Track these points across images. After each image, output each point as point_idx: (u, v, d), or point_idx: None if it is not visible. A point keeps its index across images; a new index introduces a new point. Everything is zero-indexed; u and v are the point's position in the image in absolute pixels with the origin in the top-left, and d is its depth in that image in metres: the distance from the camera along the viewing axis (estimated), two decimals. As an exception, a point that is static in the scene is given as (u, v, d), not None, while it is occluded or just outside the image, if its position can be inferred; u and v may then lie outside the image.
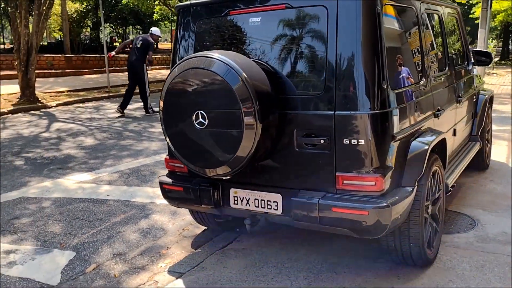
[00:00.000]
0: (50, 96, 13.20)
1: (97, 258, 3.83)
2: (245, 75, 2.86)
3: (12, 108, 11.41)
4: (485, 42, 16.87)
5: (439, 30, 4.28)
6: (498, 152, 6.67)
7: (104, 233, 4.27)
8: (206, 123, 3.01)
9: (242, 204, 3.39)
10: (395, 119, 3.04)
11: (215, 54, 2.98)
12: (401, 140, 3.11)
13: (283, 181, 3.25)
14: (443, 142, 3.66)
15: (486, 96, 5.65)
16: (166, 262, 3.78)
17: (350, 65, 2.91)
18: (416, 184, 3.13)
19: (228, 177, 3.26)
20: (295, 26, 3.17)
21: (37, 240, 4.12)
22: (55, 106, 12.17)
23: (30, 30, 12.25)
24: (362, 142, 2.91)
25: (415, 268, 3.43)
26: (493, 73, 21.82)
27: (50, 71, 18.87)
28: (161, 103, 3.22)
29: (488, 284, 3.23)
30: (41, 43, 34.28)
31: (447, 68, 4.30)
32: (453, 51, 4.62)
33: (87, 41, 29.52)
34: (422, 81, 3.57)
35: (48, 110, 11.76)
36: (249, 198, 3.35)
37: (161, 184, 3.73)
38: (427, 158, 3.16)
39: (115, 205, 4.94)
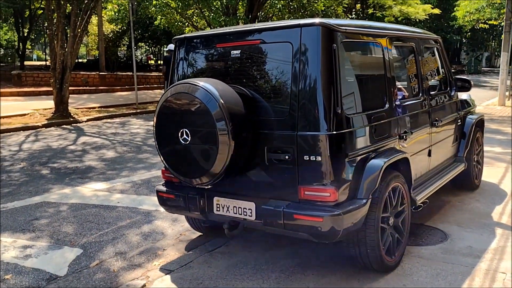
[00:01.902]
0: (82, 112, 14.09)
1: (101, 256, 4.38)
2: (222, 101, 3.39)
3: (46, 122, 12.30)
4: (507, 65, 16.94)
5: (412, 60, 4.72)
6: (493, 174, 6.94)
7: (110, 235, 4.84)
8: (189, 139, 3.55)
9: (223, 211, 3.89)
10: (349, 139, 3.51)
11: (199, 82, 3.52)
12: (356, 157, 3.56)
13: (257, 191, 3.74)
14: (406, 161, 4.07)
15: (474, 120, 5.99)
16: (160, 261, 4.29)
17: (309, 92, 3.41)
18: (371, 197, 3.57)
19: (209, 186, 3.78)
20: (267, 58, 3.70)
21: (51, 238, 4.74)
22: (85, 121, 13.03)
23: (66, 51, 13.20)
24: (319, 158, 3.38)
25: (376, 273, 3.84)
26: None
27: (84, 87, 19.98)
28: (154, 121, 3.79)
29: (436, 289, 3.61)
30: (80, 60, 35.99)
31: (421, 94, 4.72)
32: (429, 79, 5.03)
33: (124, 59, 30.88)
34: (386, 107, 4.02)
35: (78, 124, 12.61)
36: (229, 206, 3.85)
37: (157, 192, 4.29)
38: (381, 174, 3.59)
39: (123, 211, 5.53)
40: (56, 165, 7.82)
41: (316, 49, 3.41)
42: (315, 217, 3.37)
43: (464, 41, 56.32)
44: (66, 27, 13.51)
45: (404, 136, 4.22)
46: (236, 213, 3.82)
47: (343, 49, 3.57)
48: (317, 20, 3.48)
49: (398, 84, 4.76)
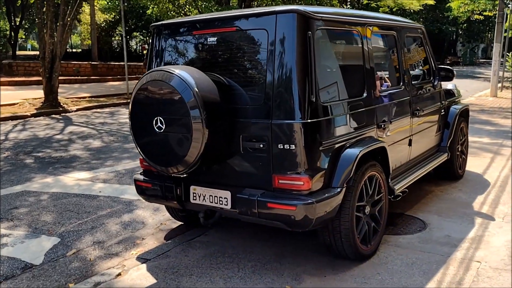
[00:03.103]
0: (72, 102, 14.03)
1: (78, 245, 4.37)
2: (197, 89, 3.36)
3: (35, 112, 12.23)
4: (500, 56, 16.94)
5: (393, 49, 4.70)
6: (478, 164, 6.95)
7: (89, 224, 4.82)
8: (164, 127, 3.52)
9: (200, 200, 3.88)
10: (324, 128, 3.49)
11: (174, 70, 3.49)
12: (331, 146, 3.55)
13: (232, 180, 3.73)
14: (384, 150, 4.06)
15: (458, 110, 5.98)
16: (138, 250, 4.28)
17: (284, 80, 3.38)
18: (345, 185, 3.56)
19: (185, 175, 3.76)
20: (243, 46, 3.67)
21: (29, 227, 4.72)
22: (75, 111, 12.97)
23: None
24: (293, 147, 3.37)
25: (351, 262, 3.84)
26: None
27: (76, 77, 19.88)
28: (130, 109, 3.76)
29: (410, 277, 3.61)
30: (74, 50, 35.70)
31: (401, 83, 4.70)
32: (411, 68, 5.01)
33: (118, 49, 30.71)
34: (364, 96, 4.00)
35: (67, 114, 12.56)
36: (205, 195, 3.84)
37: (135, 181, 4.27)
38: (356, 163, 3.58)
39: (105, 200, 5.51)
40: (41, 154, 7.78)
41: (291, 37, 3.38)
42: (288, 205, 3.37)
43: (460, 32, 56.31)
44: (55, 16, 13.34)
45: (383, 125, 4.20)
46: (212, 202, 3.81)
47: (319, 37, 3.55)
48: (292, 7, 3.44)
49: (381, 74, 4.76)
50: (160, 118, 3.52)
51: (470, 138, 8.36)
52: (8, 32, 27.11)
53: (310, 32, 3.39)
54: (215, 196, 3.78)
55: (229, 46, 3.75)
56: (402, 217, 4.89)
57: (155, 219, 5.02)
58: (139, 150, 3.80)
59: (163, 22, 4.14)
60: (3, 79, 17.67)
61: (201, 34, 3.87)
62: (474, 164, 6.92)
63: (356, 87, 3.98)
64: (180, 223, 4.86)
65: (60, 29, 12.94)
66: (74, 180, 6.29)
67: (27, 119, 11.59)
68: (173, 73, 3.44)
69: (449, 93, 6.13)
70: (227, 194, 3.72)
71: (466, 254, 3.99)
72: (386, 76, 4.64)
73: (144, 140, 3.72)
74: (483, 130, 9.90)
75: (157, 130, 3.55)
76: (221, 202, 3.76)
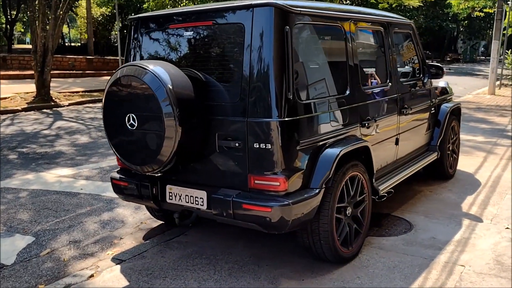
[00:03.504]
0: (64, 96, 13.89)
1: (53, 244, 4.25)
2: (170, 85, 3.23)
3: (26, 106, 12.09)
4: (498, 53, 16.79)
5: (380, 46, 4.56)
6: (470, 164, 6.83)
7: (66, 223, 4.70)
8: (136, 124, 3.40)
9: (176, 200, 3.76)
10: (302, 127, 3.36)
11: (147, 65, 3.35)
12: (310, 145, 3.42)
13: (208, 179, 3.60)
14: (367, 150, 3.93)
15: (449, 108, 5.85)
16: (114, 250, 4.16)
17: (260, 77, 3.25)
18: (324, 186, 3.43)
19: (159, 174, 3.64)
20: (220, 40, 3.53)
21: (4, 225, 4.60)
22: (67, 106, 12.83)
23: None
24: (269, 146, 3.24)
25: (331, 264, 3.72)
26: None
27: (70, 71, 19.73)
28: (102, 105, 3.63)
29: (390, 281, 3.49)
30: (73, 44, 35.44)
31: (388, 80, 4.56)
32: (398, 66, 4.88)
33: (116, 44, 30.50)
34: (347, 93, 3.86)
35: (58, 109, 12.43)
36: (181, 194, 3.72)
37: (111, 179, 4.14)
38: (336, 163, 3.45)
39: (85, 198, 5.38)
40: (25, 150, 7.65)
41: (268, 31, 3.24)
42: (264, 207, 3.24)
43: (461, 29, 56.08)
44: (47, 9, 13.18)
45: (366, 124, 4.07)
46: (188, 202, 3.69)
47: (298, 32, 3.41)
48: (270, 0, 3.30)
49: (370, 71, 4.63)
50: (133, 115, 3.39)
51: (464, 137, 8.25)
52: (4, 26, 26.95)
53: (288, 27, 3.25)
54: (191, 196, 3.66)
55: (206, 40, 3.61)
56: (388, 218, 4.77)
57: (136, 218, 4.90)
58: (112, 147, 3.68)
59: (140, 15, 4.00)
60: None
61: (178, 28, 3.73)
62: (466, 163, 6.80)
63: (338, 84, 3.85)
64: (161, 222, 4.74)
65: (52, 23, 12.78)
66: (55, 177, 6.16)
67: (17, 113, 11.46)
68: (146, 69, 3.31)
69: (440, 91, 6.00)
70: (203, 194, 3.59)
71: (450, 257, 3.87)
72: (372, 73, 4.52)
73: (117, 138, 3.60)
74: (478, 128, 9.77)
75: (130, 127, 3.43)
76: (197, 202, 3.64)
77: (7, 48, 24.89)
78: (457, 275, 3.57)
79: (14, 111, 11.48)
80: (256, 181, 3.33)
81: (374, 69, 4.57)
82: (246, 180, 3.37)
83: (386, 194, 4.35)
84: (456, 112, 6.19)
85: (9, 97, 12.99)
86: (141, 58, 3.92)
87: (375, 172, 4.09)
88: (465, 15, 29.99)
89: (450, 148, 6.08)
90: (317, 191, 3.40)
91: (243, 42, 3.32)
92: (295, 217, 3.28)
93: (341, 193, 3.64)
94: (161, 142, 3.30)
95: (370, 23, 4.44)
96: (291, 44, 3.27)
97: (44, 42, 12.75)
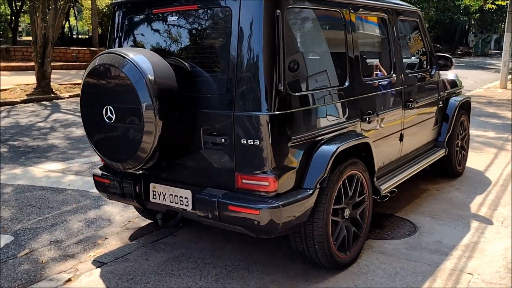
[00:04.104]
0: (65, 88, 13.65)
1: (33, 244, 3.99)
2: (150, 75, 2.94)
3: (25, 98, 11.87)
4: (510, 47, 16.30)
5: (384, 34, 4.24)
6: (480, 160, 6.49)
7: (49, 221, 4.44)
8: (114, 118, 3.12)
9: (160, 199, 3.48)
10: (294, 121, 3.06)
11: (127, 53, 3.06)
12: (303, 142, 3.12)
13: (193, 178, 3.32)
14: (367, 146, 3.63)
15: (458, 102, 5.51)
16: (97, 252, 3.90)
17: (248, 66, 2.95)
18: (318, 186, 3.13)
19: (141, 171, 3.37)
20: (206, 26, 3.24)
21: (-18, 223, 4.35)
22: (67, 98, 12.58)
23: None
24: (257, 143, 2.94)
25: (327, 271, 3.43)
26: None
27: (74, 63, 19.51)
28: (80, 96, 3.36)
29: (391, 291, 3.20)
30: (81, 36, 35.23)
31: (392, 72, 4.24)
32: (403, 56, 4.55)
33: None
34: (346, 85, 3.55)
35: (58, 101, 12.17)
36: (165, 193, 3.44)
37: (93, 176, 3.87)
38: (331, 161, 3.15)
39: (72, 194, 5.13)
40: (17, 143, 7.41)
41: (257, 16, 2.93)
42: (251, 209, 2.96)
43: (472, 22, 55.18)
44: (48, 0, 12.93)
45: (367, 119, 3.76)
46: (172, 202, 3.41)
47: (291, 17, 3.10)
48: (259, -19, 2.99)
49: (372, 61, 4.32)
50: (110, 107, 3.12)
51: (474, 132, 7.90)
52: (9, 17, 26.78)
53: (279, 11, 2.94)
54: (175, 196, 3.39)
55: (191, 26, 3.32)
56: (391, 219, 4.46)
57: (124, 216, 4.63)
58: (90, 142, 3.40)
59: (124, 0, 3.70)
60: (0, 64, 17.32)
61: (161, 13, 3.43)
62: (475, 160, 6.45)
63: (336, 75, 3.54)
64: (150, 221, 4.47)
65: (52, 13, 12.52)
66: (44, 171, 5.91)
67: (15, 105, 11.24)
68: (124, 57, 3.02)
69: (449, 84, 5.65)
70: (187, 193, 3.31)
71: (457, 264, 3.57)
72: (375, 63, 4.20)
73: (95, 132, 3.33)
74: (489, 123, 9.39)
75: (107, 120, 3.15)
76: (181, 203, 3.36)
77: (12, 39, 24.73)
78: (464, 284, 3.27)
79: (12, 103, 11.27)
80: (243, 181, 3.05)
81: (377, 59, 4.26)
82: (233, 179, 3.08)
83: (388, 194, 4.05)
84: (465, 106, 5.84)
85: (9, 89, 12.78)
86: (124, 45, 3.64)
87: (376, 170, 3.79)
88: (477, 7, 29.33)
89: (459, 145, 5.75)
90: (310, 192, 3.10)
91: (230, 28, 3.03)
92: (285, 221, 2.99)
93: (338, 194, 3.34)
94: (140, 137, 3.02)
95: (372, 9, 4.11)
96: (283, 30, 2.97)
97: (44, 32, 12.50)
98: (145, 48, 3.49)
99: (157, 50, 3.40)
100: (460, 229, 4.23)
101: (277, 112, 2.94)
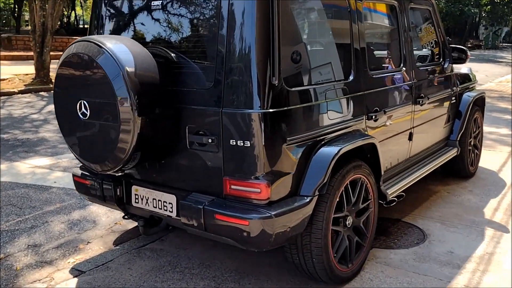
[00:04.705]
0: (65, 78, 13.31)
1: (9, 248, 3.69)
2: (128, 67, 2.61)
3: (23, 88, 11.58)
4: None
5: (393, 23, 3.86)
6: (493, 160, 6.11)
7: (29, 222, 4.14)
8: (88, 113, 2.79)
9: (142, 203, 3.17)
10: (290, 120, 2.71)
11: (102, 41, 2.72)
12: (301, 143, 2.77)
13: (178, 182, 3.00)
14: (373, 147, 3.28)
15: (472, 98, 5.13)
16: (77, 258, 3.59)
17: (239, 57, 2.60)
18: (317, 193, 2.79)
19: (120, 173, 3.05)
20: (193, 11, 2.88)
21: (-44, 225, 4.04)
22: (66, 88, 12.26)
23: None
24: (248, 144, 2.60)
25: (326, 285, 3.09)
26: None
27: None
28: (53, 88, 3.03)
29: (397, 311, 2.86)
30: (86, 26, 34.85)
31: (402, 65, 3.87)
32: (414, 47, 4.17)
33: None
34: (350, 79, 3.19)
35: (56, 92, 11.86)
36: (148, 198, 3.12)
37: (73, 176, 3.56)
38: (332, 165, 2.80)
39: (57, 193, 4.81)
40: (6, 136, 7.09)
41: (249, 1, 2.57)
42: (240, 219, 2.62)
43: (483, 14, 54.29)
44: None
45: (374, 116, 3.40)
46: (156, 207, 3.08)
47: (288, 2, 2.74)
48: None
49: (380, 52, 3.96)
50: (84, 102, 2.79)
51: (486, 129, 7.48)
52: (12, 6, 26.48)
53: (272, -5, 2.58)
54: (158, 200, 3.06)
55: (176, 11, 2.95)
56: (398, 225, 4.11)
57: (110, 217, 4.31)
58: (65, 139, 3.08)
59: (105, -17, 3.35)
60: (1, 53, 17.03)
61: (145, -3, 3.08)
62: (488, 159, 6.07)
63: (339, 67, 3.18)
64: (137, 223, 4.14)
65: (51, 1, 12.18)
66: (30, 167, 5.60)
67: (12, 96, 10.94)
68: (100, 46, 2.68)
69: (463, 78, 5.27)
70: (172, 198, 2.99)
71: (471, 279, 3.22)
72: (383, 55, 3.83)
73: (69, 129, 3.00)
74: (501, 119, 8.97)
75: (82, 116, 2.82)
76: (165, 208, 3.03)
77: (16, 28, 24.42)
78: (480, 304, 2.92)
79: (9, 94, 10.97)
80: (232, 186, 2.70)
81: (385, 51, 3.89)
82: (221, 184, 2.75)
83: (396, 199, 3.69)
84: (479, 102, 5.46)
85: (7, 79, 12.48)
86: (104, 32, 3.30)
87: (383, 173, 3.43)
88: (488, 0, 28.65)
89: (472, 143, 5.37)
90: (308, 199, 2.75)
91: (219, 14, 2.67)
92: (279, 232, 2.65)
93: (339, 201, 3.00)
94: (117, 136, 2.69)
95: None
96: (279, 17, 2.61)
97: (43, 21, 12.17)
98: (127, 36, 3.14)
99: (140, 38, 3.07)
100: (474, 237, 3.87)
101: (270, 110, 2.59)
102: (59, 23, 15.47)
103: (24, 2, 23.46)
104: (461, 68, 5.42)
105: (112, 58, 2.62)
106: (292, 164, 2.75)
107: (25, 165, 5.65)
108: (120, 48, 2.69)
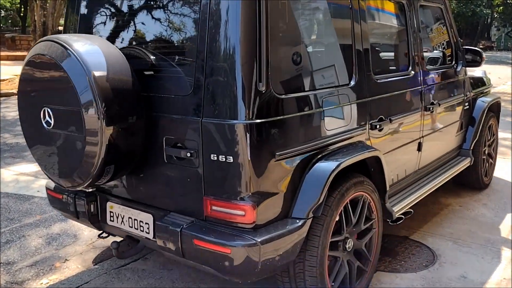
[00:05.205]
0: (66, 79, 13.07)
1: (-22, 267, 3.38)
2: (95, 71, 2.29)
3: (22, 89, 11.30)
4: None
5: (401, 22, 3.50)
6: (508, 168, 5.71)
7: (4, 236, 3.83)
8: (52, 122, 2.46)
9: (118, 222, 2.84)
10: (280, 131, 2.36)
11: (68, 41, 2.40)
12: (292, 158, 2.42)
13: (156, 200, 2.67)
14: (378, 161, 2.92)
15: (486, 103, 4.74)
16: (51, 278, 3.28)
17: (221, 59, 2.26)
18: (312, 215, 2.44)
19: (90, 189, 2.73)
20: (172, 9, 2.54)
21: None
22: (66, 90, 12.01)
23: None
24: (230, 159, 2.25)
25: (323, 317, 2.73)
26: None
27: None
28: (17, 92, 2.72)
29: None
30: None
31: (410, 68, 3.51)
32: (425, 49, 3.80)
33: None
34: (352, 84, 2.84)
35: (56, 93, 11.61)
36: (123, 216, 2.79)
37: (46, 189, 3.24)
38: (329, 183, 2.45)
39: (39, 203, 4.50)
40: (-4, 140, 6.83)
41: (232, -7, 2.23)
42: (221, 246, 2.27)
43: (495, 15, 53.55)
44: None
45: (379, 126, 3.04)
46: (132, 227, 2.75)
47: (277, -3, 2.39)
48: None
49: (386, 54, 3.60)
50: (48, 109, 2.46)
51: (500, 134, 7.06)
52: (18, 6, 26.35)
53: (259, -13, 2.23)
54: (135, 220, 2.73)
55: (154, 7, 2.62)
56: (405, 243, 3.75)
57: (93, 231, 3.96)
58: (30, 150, 2.76)
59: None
60: (3, 53, 16.83)
61: (121, -8, 2.75)
62: (503, 168, 5.68)
63: (339, 71, 2.82)
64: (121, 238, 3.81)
65: (52, 1, 11.94)
66: (15, 174, 5.29)
67: (10, 97, 10.68)
68: (64, 46, 2.36)
69: (476, 82, 4.88)
70: (148, 218, 2.65)
71: (488, 311, 2.85)
72: (391, 58, 3.48)
73: (33, 139, 2.68)
74: (516, 124, 8.55)
75: (46, 125, 2.49)
76: (141, 229, 2.69)
77: (21, 28, 24.26)
78: None
79: (7, 95, 10.71)
80: (214, 207, 2.36)
81: (392, 52, 3.53)
82: (201, 204, 2.40)
83: (403, 216, 3.33)
84: (494, 108, 5.07)
85: (7, 79, 12.25)
86: (79, 31, 2.97)
87: (388, 189, 3.07)
88: (501, 0, 28.11)
89: (486, 152, 4.98)
90: (300, 222, 2.41)
91: (200, 10, 2.33)
92: (266, 261, 2.30)
93: (338, 222, 2.64)
94: (82, 148, 2.36)
95: None
96: (267, 13, 2.26)
97: (44, 21, 11.95)
98: (101, 35, 2.81)
99: (114, 37, 2.74)
100: (489, 259, 3.50)
101: (257, 120, 2.25)
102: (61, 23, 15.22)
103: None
104: (475, 71, 5.03)
105: (76, 59, 2.30)
106: (282, 182, 2.40)
107: (9, 172, 5.35)
108: (87, 49, 2.36)
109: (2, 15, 25.53)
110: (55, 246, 3.74)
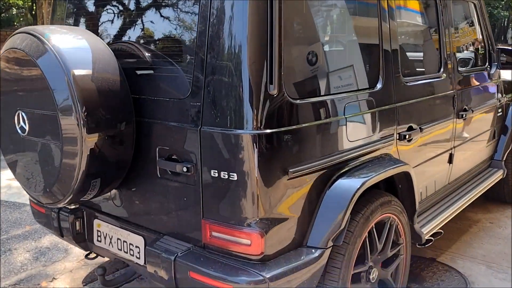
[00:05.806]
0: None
1: (-45, 286, 3.04)
2: (75, 70, 1.93)
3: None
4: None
5: (431, 20, 3.09)
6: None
7: (-11, 250, 3.49)
8: (27, 128, 2.10)
9: (105, 243, 2.47)
10: (294, 143, 1.97)
11: (45, 34, 2.04)
12: (307, 175, 2.02)
13: (148, 220, 2.29)
14: (407, 177, 2.51)
15: (520, 110, 4.30)
16: (34, 301, 2.92)
17: (224, 58, 1.88)
18: (331, 244, 2.04)
19: (73, 206, 2.36)
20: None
21: None
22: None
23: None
24: (234, 176, 1.87)
25: None
26: None
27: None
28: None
29: None
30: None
31: (442, 70, 3.09)
32: (458, 50, 3.39)
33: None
34: (378, 87, 2.44)
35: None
36: (112, 237, 2.43)
37: (30, 201, 2.89)
38: (352, 203, 2.05)
39: (30, 212, 4.11)
40: (-8, 141, 6.51)
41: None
42: (221, 281, 1.89)
43: (512, 18, 52.65)
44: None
45: (408, 136, 2.63)
46: (121, 250, 2.39)
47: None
48: None
49: (415, 55, 3.21)
50: (23, 113, 2.10)
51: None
52: (30, 3, 26.25)
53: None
54: (124, 242, 2.36)
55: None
56: (433, 267, 3.33)
57: (86, 245, 3.61)
58: (6, 160, 2.39)
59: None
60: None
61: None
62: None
63: (363, 73, 2.42)
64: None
65: (60, -3, 11.67)
66: (7, 180, 4.97)
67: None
68: (40, 39, 2.00)
69: (510, 86, 4.45)
70: (139, 241, 2.28)
71: None
72: (421, 60, 3.07)
73: (8, 147, 2.32)
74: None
75: (20, 132, 2.13)
76: (131, 253, 2.32)
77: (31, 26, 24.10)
78: None
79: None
80: (214, 233, 1.98)
81: (421, 53, 3.13)
82: (199, 228, 2.02)
83: (432, 238, 2.92)
84: (529, 115, 4.61)
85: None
86: (66, 24, 2.61)
87: (417, 208, 2.66)
88: (520, 2, 27.41)
89: (520, 163, 4.54)
90: (317, 253, 2.01)
91: (199, 4, 1.95)
92: (276, 300, 1.91)
93: (361, 248, 2.24)
94: (60, 159, 1.99)
95: None
96: (280, 7, 1.87)
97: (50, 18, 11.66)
98: (89, 28, 2.45)
99: (103, 30, 2.37)
100: (530, 288, 3.07)
101: (267, 130, 1.85)
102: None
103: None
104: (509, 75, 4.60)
105: (54, 55, 1.93)
106: (296, 204, 2.01)
107: (1, 178, 5.02)
108: (67, 43, 2.00)
109: (14, 13, 25.48)
110: (43, 262, 3.39)
